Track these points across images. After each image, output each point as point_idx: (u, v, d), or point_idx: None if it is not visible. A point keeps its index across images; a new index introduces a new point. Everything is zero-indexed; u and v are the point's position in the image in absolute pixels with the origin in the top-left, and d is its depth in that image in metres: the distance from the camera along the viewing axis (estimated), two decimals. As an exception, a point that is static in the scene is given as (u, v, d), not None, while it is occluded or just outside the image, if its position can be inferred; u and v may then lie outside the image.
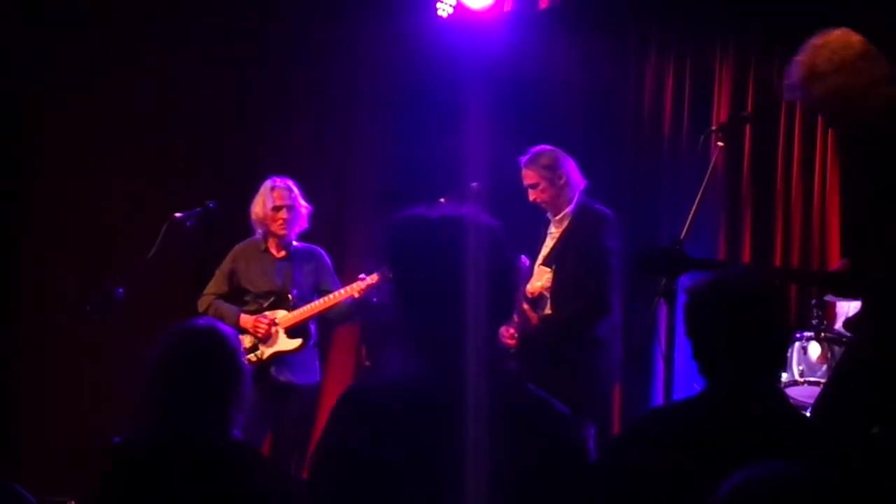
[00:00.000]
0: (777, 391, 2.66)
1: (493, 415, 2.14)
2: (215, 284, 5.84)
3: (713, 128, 5.65)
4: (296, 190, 5.77)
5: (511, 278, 2.27)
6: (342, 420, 2.17)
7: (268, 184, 5.77)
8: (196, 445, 2.82)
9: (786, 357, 2.61)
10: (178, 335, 2.94)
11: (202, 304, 5.79)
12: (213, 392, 2.87)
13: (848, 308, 6.03)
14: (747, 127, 6.73)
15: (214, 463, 2.82)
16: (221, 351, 2.90)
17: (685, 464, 2.49)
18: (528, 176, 5.29)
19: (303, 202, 5.78)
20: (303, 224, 5.80)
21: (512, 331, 5.21)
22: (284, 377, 5.64)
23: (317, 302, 5.69)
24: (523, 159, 5.31)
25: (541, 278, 5.27)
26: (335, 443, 2.16)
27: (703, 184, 4.42)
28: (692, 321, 2.63)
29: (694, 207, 4.37)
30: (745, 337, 2.55)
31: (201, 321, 3.03)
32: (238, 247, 5.90)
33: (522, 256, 5.20)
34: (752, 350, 2.55)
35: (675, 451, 2.53)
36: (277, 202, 5.70)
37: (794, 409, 2.72)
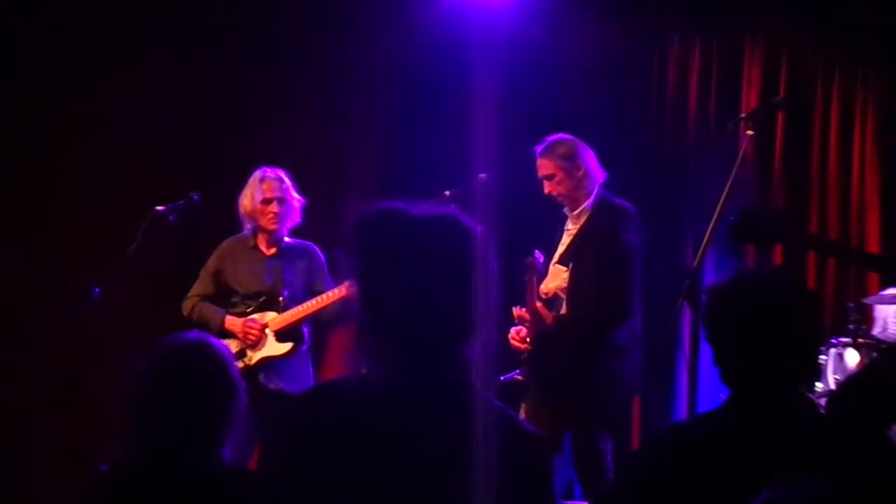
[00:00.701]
0: (807, 401, 2.61)
1: (450, 431, 2.16)
2: (201, 285, 5.82)
3: (742, 115, 5.55)
4: (287, 181, 5.74)
5: (490, 288, 2.22)
6: (291, 427, 2.19)
7: (257, 174, 5.73)
8: (186, 474, 2.78)
9: (817, 363, 2.58)
10: (166, 351, 2.88)
11: (186, 307, 5.78)
12: (205, 415, 2.82)
13: (886, 312, 5.96)
14: (779, 114, 6.67)
15: (206, 493, 2.78)
16: (214, 369, 2.85)
17: (708, 483, 2.45)
18: (544, 166, 5.24)
19: (295, 194, 5.75)
20: (295, 218, 5.76)
21: (524, 333, 5.13)
22: (275, 385, 5.61)
23: (309, 303, 5.65)
24: (538, 148, 5.28)
25: (556, 278, 5.22)
26: (283, 453, 2.18)
27: (732, 176, 4.38)
28: (713, 325, 2.60)
29: (721, 201, 4.37)
30: (772, 341, 2.51)
31: (191, 335, 2.98)
32: (225, 244, 5.86)
33: (537, 252, 5.20)
34: (780, 356, 2.51)
35: (697, 469, 2.47)
36: (267, 194, 5.66)
37: (828, 420, 2.72)
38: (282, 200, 5.67)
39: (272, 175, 5.71)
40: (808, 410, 2.58)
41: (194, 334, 3.00)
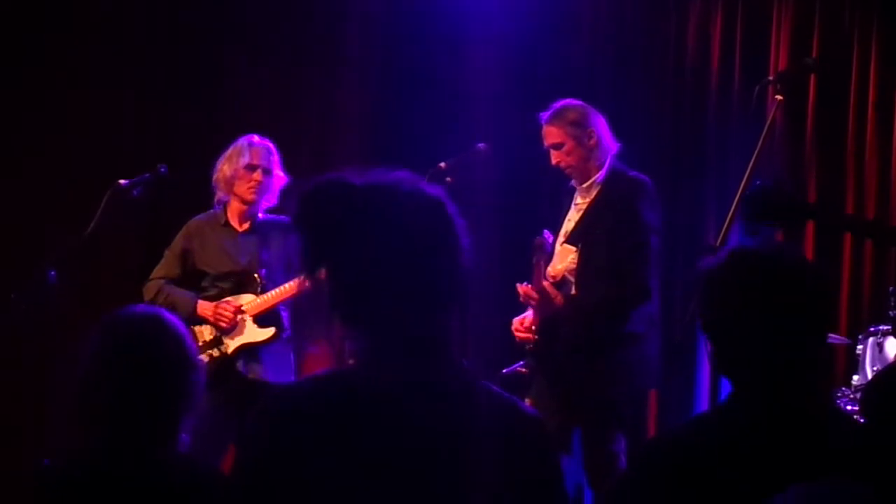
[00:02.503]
0: (821, 393, 2.62)
1: (442, 420, 2.17)
2: (165, 267, 5.81)
3: (770, 78, 5.57)
4: (276, 154, 5.77)
5: (456, 260, 2.23)
6: (267, 422, 2.18)
7: (244, 140, 5.76)
8: (138, 465, 2.78)
9: (828, 351, 2.57)
10: (112, 327, 2.87)
11: (149, 291, 5.76)
12: (158, 397, 2.81)
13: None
14: (811, 76, 6.65)
15: (159, 484, 2.77)
16: (168, 345, 2.85)
17: (718, 484, 2.45)
18: (551, 134, 5.24)
19: (281, 171, 5.77)
20: (272, 199, 5.78)
21: (528, 321, 5.15)
22: (255, 374, 5.64)
23: (290, 283, 5.64)
24: (544, 115, 5.28)
25: (564, 259, 5.22)
26: (267, 449, 2.15)
27: (759, 146, 4.40)
28: (710, 310, 2.59)
29: (746, 174, 4.35)
30: (779, 325, 2.51)
31: (140, 308, 2.98)
32: (192, 221, 5.86)
33: (546, 232, 5.20)
34: (789, 342, 2.51)
35: (700, 484, 2.46)
36: (254, 160, 5.69)
37: (845, 413, 2.68)
38: (267, 171, 5.69)
39: (261, 143, 5.74)
40: (825, 404, 2.59)
41: (144, 308, 3.01)
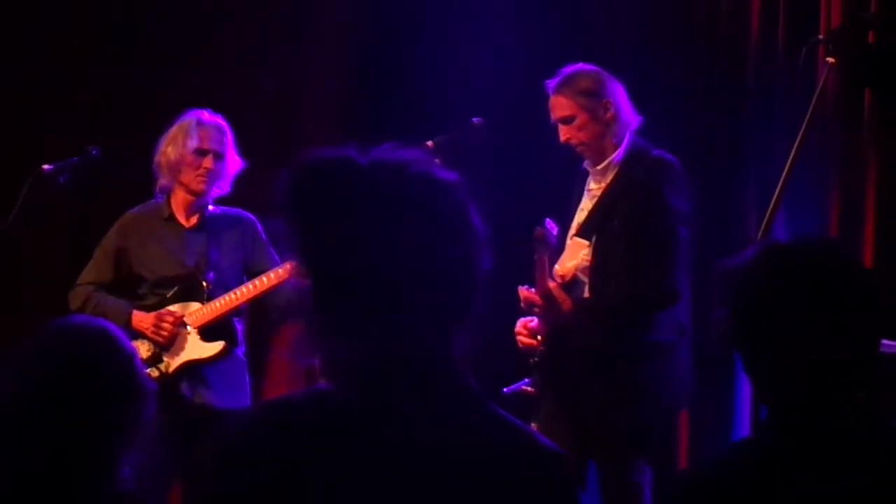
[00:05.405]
0: (878, 412, 2.60)
1: (445, 460, 2.15)
2: (94, 270, 5.84)
3: (821, 37, 5.56)
4: (230, 135, 5.83)
5: (473, 257, 2.22)
6: (224, 460, 2.17)
7: (191, 117, 5.80)
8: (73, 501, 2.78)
9: (875, 362, 2.62)
10: (49, 342, 2.87)
11: (75, 299, 5.80)
12: (101, 427, 2.81)
13: None
14: (870, 34, 6.62)
15: None
16: (114, 365, 2.84)
17: None
18: (560, 106, 5.26)
19: (236, 155, 5.84)
20: (225, 187, 5.86)
21: (534, 324, 5.17)
22: (202, 398, 5.70)
23: (244, 288, 5.70)
24: (552, 83, 5.29)
25: (575, 255, 5.26)
26: (216, 484, 2.16)
27: (807, 116, 4.40)
28: (740, 319, 2.59)
29: (793, 153, 4.33)
30: (820, 334, 2.50)
31: (81, 321, 2.98)
32: (128, 215, 5.91)
33: (548, 222, 5.18)
34: (831, 353, 2.51)
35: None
36: (204, 144, 5.74)
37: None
38: (219, 156, 5.74)
39: (212, 122, 5.78)
40: (877, 421, 2.58)
41: (86, 320, 3.00)
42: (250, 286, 5.68)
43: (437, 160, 5.13)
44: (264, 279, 5.67)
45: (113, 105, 7.07)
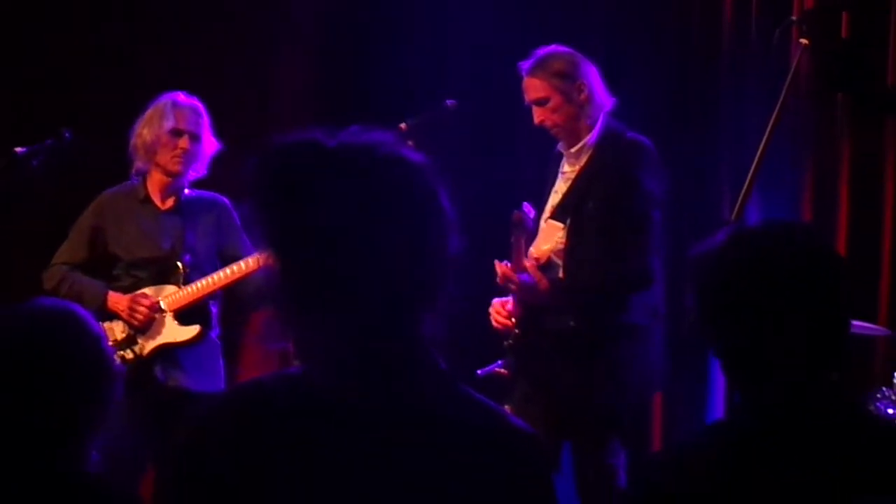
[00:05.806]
0: (851, 394, 2.65)
1: (418, 442, 2.15)
2: (69, 250, 5.84)
3: (794, 18, 5.56)
4: (206, 117, 5.83)
5: (443, 239, 2.21)
6: (196, 443, 2.19)
7: (167, 99, 5.79)
8: (40, 489, 2.76)
9: (847, 345, 2.62)
10: (16, 324, 2.86)
11: (50, 279, 5.81)
12: (68, 409, 2.81)
13: None
14: (843, 15, 6.62)
15: None
16: (81, 347, 2.83)
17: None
18: (534, 87, 5.27)
19: (212, 137, 5.83)
20: (201, 169, 5.84)
21: (510, 306, 5.18)
22: (175, 382, 5.69)
23: (220, 273, 5.69)
24: (525, 65, 5.30)
25: (549, 238, 5.26)
26: (183, 477, 2.17)
27: (780, 100, 4.37)
28: (709, 305, 2.60)
29: (766, 134, 4.34)
30: (791, 316, 2.51)
31: (48, 303, 2.97)
32: (105, 195, 5.89)
33: (525, 205, 5.20)
34: (807, 338, 2.51)
35: (720, 491, 2.48)
36: (180, 124, 5.73)
37: (882, 418, 2.70)
38: (195, 137, 5.73)
39: (188, 103, 5.77)
40: (851, 406, 2.59)
41: (53, 302, 2.99)
42: (227, 271, 5.68)
43: (408, 142, 5.21)
44: (242, 265, 5.66)
45: (88, 86, 7.03)
